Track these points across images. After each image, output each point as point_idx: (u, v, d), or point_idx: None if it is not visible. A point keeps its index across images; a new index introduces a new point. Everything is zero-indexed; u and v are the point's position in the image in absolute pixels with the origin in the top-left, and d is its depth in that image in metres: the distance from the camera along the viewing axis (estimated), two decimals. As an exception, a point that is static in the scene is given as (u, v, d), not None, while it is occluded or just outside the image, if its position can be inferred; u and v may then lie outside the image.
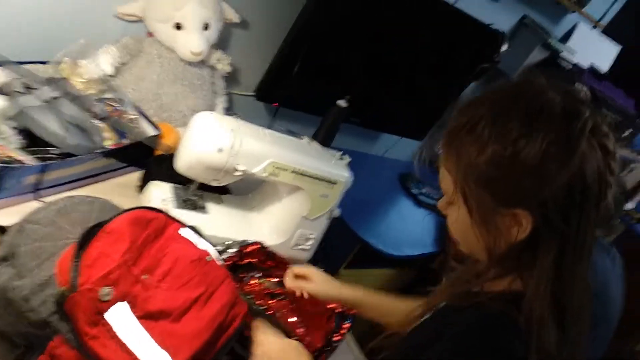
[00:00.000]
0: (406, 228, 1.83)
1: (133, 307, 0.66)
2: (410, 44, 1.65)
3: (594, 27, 2.30)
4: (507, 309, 0.64)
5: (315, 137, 1.18)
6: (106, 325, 0.64)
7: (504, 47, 1.83)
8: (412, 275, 2.14)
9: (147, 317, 0.67)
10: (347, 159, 1.19)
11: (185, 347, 0.68)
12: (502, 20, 1.96)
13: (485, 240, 0.67)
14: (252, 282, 1.02)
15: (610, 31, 2.35)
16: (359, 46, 1.54)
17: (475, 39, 1.78)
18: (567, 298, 0.65)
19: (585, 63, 2.18)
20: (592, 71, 2.19)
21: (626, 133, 2.17)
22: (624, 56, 2.31)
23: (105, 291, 0.64)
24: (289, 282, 1.00)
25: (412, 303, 0.92)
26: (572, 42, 2.20)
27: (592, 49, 2.27)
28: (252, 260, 1.04)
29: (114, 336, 0.64)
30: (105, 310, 0.64)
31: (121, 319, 0.65)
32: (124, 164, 1.15)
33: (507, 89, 0.68)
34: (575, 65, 2.13)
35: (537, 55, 2.16)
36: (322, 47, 1.45)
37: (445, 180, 0.70)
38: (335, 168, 1.15)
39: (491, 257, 0.68)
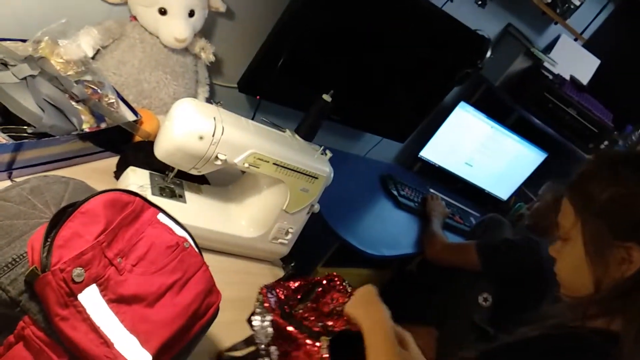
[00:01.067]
0: (385, 229, 1.83)
1: (105, 289, 0.64)
2: (396, 44, 1.65)
3: (576, 39, 2.35)
4: (600, 338, 0.72)
5: (297, 130, 1.17)
6: (78, 307, 0.61)
7: (489, 53, 1.85)
8: (388, 276, 2.14)
9: (119, 301, 0.65)
10: (329, 154, 1.18)
11: (158, 333, 0.66)
12: (487, 27, 1.98)
13: (595, 273, 0.75)
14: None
15: (591, 45, 2.40)
16: (345, 44, 1.54)
17: (460, 43, 1.80)
18: None
19: (566, 74, 2.22)
20: (573, 82, 2.23)
21: (603, 145, 2.21)
22: (603, 70, 2.36)
23: (78, 272, 0.62)
24: None
25: None
26: (555, 53, 2.24)
27: (573, 61, 2.31)
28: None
29: (85, 318, 0.61)
30: (78, 292, 0.62)
31: (93, 301, 0.63)
32: (101, 149, 1.12)
33: (633, 144, 0.80)
34: (556, 75, 2.17)
35: (520, 63, 2.19)
36: (308, 42, 1.45)
37: (567, 215, 0.80)
38: (317, 162, 1.14)
39: (598, 290, 0.75)
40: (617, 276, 0.73)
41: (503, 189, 2.54)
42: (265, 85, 1.46)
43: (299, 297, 0.98)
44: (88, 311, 0.61)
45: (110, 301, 0.64)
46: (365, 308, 0.89)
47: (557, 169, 2.34)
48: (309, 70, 1.52)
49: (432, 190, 2.26)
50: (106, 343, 0.61)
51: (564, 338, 0.74)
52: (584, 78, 2.31)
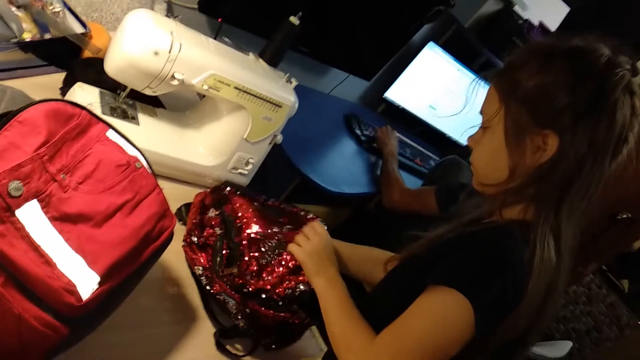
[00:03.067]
0: (346, 167, 1.82)
1: (47, 206, 0.59)
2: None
3: (548, -16, 2.32)
4: (518, 227, 0.74)
5: (262, 54, 1.10)
6: (16, 223, 0.56)
7: (462, -9, 1.79)
8: (347, 214, 2.15)
9: (63, 219, 0.60)
10: (295, 82, 1.12)
11: (105, 254, 0.62)
12: (461, -36, 1.91)
13: (512, 159, 0.76)
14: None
15: (561, -9, 2.38)
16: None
17: (434, -22, 1.73)
18: (565, 228, 0.73)
19: (535, 19, 2.20)
20: (541, 28, 2.22)
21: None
22: (572, 18, 2.35)
23: (15, 185, 0.56)
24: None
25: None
26: (526, -3, 2.21)
27: (544, 7, 2.29)
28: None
29: (24, 236, 0.56)
30: (15, 207, 0.56)
31: (33, 218, 0.57)
32: (45, 62, 1.03)
33: (564, 36, 0.77)
34: (525, 20, 2.15)
35: (491, 5, 2.15)
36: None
37: (491, 102, 0.79)
38: (282, 90, 1.09)
39: (512, 176, 0.76)
40: (531, 163, 0.75)
41: (464, 134, 2.55)
42: (228, 7, 1.37)
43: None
44: (27, 228, 0.56)
45: (53, 219, 0.59)
46: (318, 263, 0.90)
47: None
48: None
49: (389, 127, 2.22)
50: (48, 262, 0.57)
51: (488, 232, 0.77)
52: (553, 24, 2.30)
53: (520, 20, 2.12)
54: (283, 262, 0.92)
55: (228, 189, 1.03)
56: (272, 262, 0.91)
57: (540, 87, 0.73)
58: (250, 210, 0.99)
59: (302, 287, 0.90)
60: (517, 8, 2.13)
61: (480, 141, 0.82)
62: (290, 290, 0.89)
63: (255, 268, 0.90)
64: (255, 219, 0.97)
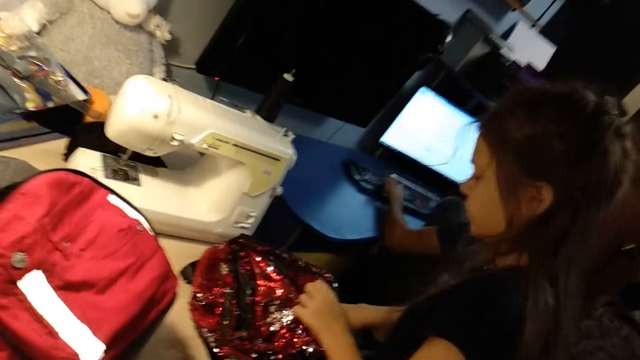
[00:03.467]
0: (347, 213, 1.82)
1: (51, 276, 0.59)
2: (357, 26, 1.63)
3: (533, 26, 2.39)
4: (511, 275, 0.74)
5: (258, 111, 1.13)
6: (19, 295, 0.57)
7: (449, 38, 1.85)
8: (350, 260, 2.14)
9: (67, 287, 0.60)
10: (292, 135, 1.15)
11: (110, 321, 0.62)
12: (447, 13, 1.98)
13: (507, 211, 0.75)
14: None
15: (546, 32, 2.45)
16: (305, 25, 1.50)
17: (421, 27, 1.79)
18: (562, 276, 0.73)
19: (523, 60, 2.26)
20: (529, 68, 2.27)
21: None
22: (558, 56, 2.42)
23: (18, 257, 0.57)
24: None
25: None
26: (512, 39, 2.27)
27: (530, 48, 2.35)
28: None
29: (27, 307, 0.57)
30: (18, 279, 0.57)
31: (37, 288, 0.58)
32: (48, 130, 1.05)
33: (548, 83, 0.78)
34: (513, 62, 2.20)
35: (478, 49, 2.21)
36: (268, 22, 1.41)
37: (481, 153, 0.79)
38: (279, 144, 1.11)
39: (509, 228, 0.76)
40: (527, 214, 0.75)
41: (461, 174, 2.57)
42: (225, 66, 1.41)
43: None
44: (29, 299, 0.57)
45: (56, 288, 0.60)
46: (325, 321, 0.91)
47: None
48: (270, 51, 1.48)
49: (392, 176, 2.26)
50: (51, 333, 0.57)
51: (480, 281, 0.77)
52: (540, 64, 2.36)
53: (508, 62, 2.17)
54: (292, 326, 0.92)
55: (243, 241, 1.03)
56: (283, 326, 0.92)
57: (530, 138, 0.73)
58: (268, 269, 1.00)
59: (310, 348, 0.90)
60: (504, 51, 2.19)
61: (473, 190, 0.83)
62: (298, 351, 0.89)
63: (265, 333, 0.90)
64: (273, 281, 0.99)
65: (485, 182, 0.79)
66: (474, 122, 0.85)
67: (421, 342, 0.74)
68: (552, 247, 0.73)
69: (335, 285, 1.11)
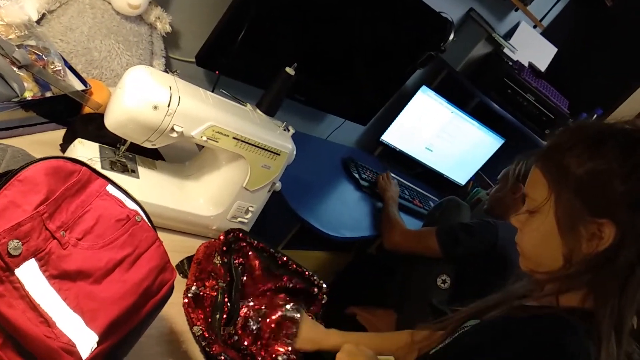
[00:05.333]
0: (346, 211, 1.82)
1: (47, 264, 0.59)
2: (359, 23, 1.62)
3: (535, 26, 2.38)
4: (579, 320, 0.71)
5: (259, 105, 1.12)
6: (15, 282, 0.56)
7: (452, 36, 1.84)
8: (348, 259, 2.13)
9: (62, 277, 0.60)
10: (292, 130, 1.14)
11: (105, 311, 0.61)
12: (450, 11, 1.97)
13: (566, 247, 0.73)
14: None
15: (549, 33, 2.44)
16: (308, 21, 1.50)
17: (424, 25, 1.78)
18: (627, 318, 0.71)
19: (525, 61, 2.25)
20: (531, 69, 2.27)
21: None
22: (560, 58, 2.41)
23: (14, 244, 0.56)
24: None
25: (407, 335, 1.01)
26: (514, 39, 2.27)
27: (532, 48, 2.35)
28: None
29: (23, 296, 0.56)
30: (14, 266, 0.56)
31: (32, 277, 0.57)
32: (46, 120, 1.04)
33: (606, 122, 0.76)
34: (515, 62, 2.20)
35: (481, 49, 2.21)
36: (270, 16, 1.40)
37: (538, 187, 0.77)
38: (279, 138, 1.10)
39: (567, 264, 0.74)
40: (587, 251, 0.72)
41: (461, 174, 2.57)
42: (225, 60, 1.40)
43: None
44: (26, 287, 0.56)
45: (51, 277, 0.59)
46: None
47: (513, 155, 2.39)
48: (271, 46, 1.47)
49: (389, 172, 2.24)
50: (47, 322, 0.56)
51: (540, 322, 0.73)
52: (542, 65, 2.35)
53: (510, 62, 2.17)
54: (268, 330, 0.92)
55: (240, 235, 1.03)
56: (261, 328, 0.92)
57: (592, 175, 0.71)
58: (258, 267, 1.00)
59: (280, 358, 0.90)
60: (506, 50, 2.18)
61: (527, 224, 0.80)
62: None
63: (253, 330, 0.90)
64: (261, 281, 0.99)
65: (543, 217, 0.76)
66: (531, 154, 0.83)
67: None
68: (618, 286, 0.71)
69: (325, 288, 1.10)
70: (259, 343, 0.93)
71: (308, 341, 0.99)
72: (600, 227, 0.71)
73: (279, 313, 0.97)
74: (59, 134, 1.06)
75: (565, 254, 0.73)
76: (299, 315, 0.99)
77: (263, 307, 0.97)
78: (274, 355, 0.92)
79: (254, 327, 0.94)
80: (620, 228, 0.70)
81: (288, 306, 1.00)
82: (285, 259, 1.06)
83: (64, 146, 1.03)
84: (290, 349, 0.94)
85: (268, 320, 0.96)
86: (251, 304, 0.98)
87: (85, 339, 0.58)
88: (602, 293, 0.72)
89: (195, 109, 0.95)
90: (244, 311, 0.96)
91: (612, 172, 0.70)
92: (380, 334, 1.08)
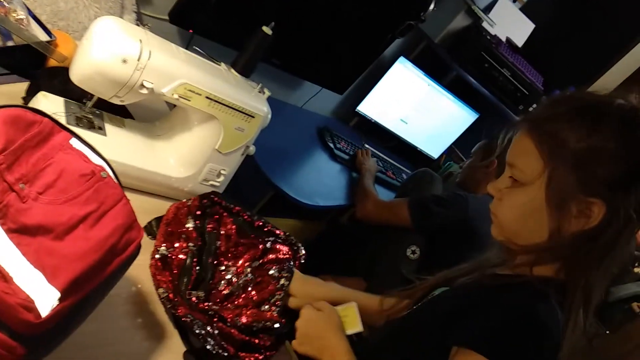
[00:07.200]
0: (320, 180, 1.81)
1: (4, 217, 0.56)
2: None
3: (515, 1, 2.37)
4: (553, 290, 0.71)
5: (234, 64, 1.09)
6: (-32, 236, 0.53)
7: (432, 6, 1.82)
8: (320, 228, 2.14)
9: (21, 231, 0.57)
10: (267, 92, 1.11)
11: (67, 268, 0.58)
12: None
13: (552, 221, 0.71)
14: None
15: (527, 9, 2.44)
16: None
17: (404, -6, 1.75)
18: (596, 292, 0.72)
19: (502, 35, 2.25)
20: (508, 44, 2.27)
21: (531, 108, 2.28)
22: (537, 35, 2.42)
23: (-32, 195, 0.53)
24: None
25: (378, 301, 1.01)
26: (493, 13, 2.26)
27: (510, 23, 2.34)
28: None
29: (-23, 250, 0.53)
30: (-32, 219, 0.53)
31: (-12, 230, 0.54)
32: (7, 71, 0.99)
33: (603, 94, 0.74)
34: (493, 36, 2.19)
35: (460, 21, 2.19)
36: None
37: (530, 158, 0.73)
38: (254, 100, 1.07)
39: (552, 239, 0.72)
40: (573, 229, 0.71)
41: (434, 148, 2.58)
42: (200, 18, 1.35)
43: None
44: (-18, 240, 0.53)
45: (10, 231, 0.56)
46: (314, 344, 0.89)
47: (486, 130, 2.40)
48: (249, 5, 1.42)
49: (366, 146, 2.24)
50: (4, 277, 0.53)
51: (521, 293, 0.73)
52: (519, 41, 2.36)
53: (489, 36, 2.16)
54: (250, 297, 0.91)
55: (215, 199, 1.00)
56: (240, 294, 0.91)
57: (590, 152, 0.69)
58: (235, 231, 0.98)
59: (276, 325, 0.89)
60: (485, 24, 2.17)
61: (510, 195, 0.77)
62: (259, 324, 0.88)
63: (223, 294, 0.89)
64: (236, 244, 0.97)
65: (532, 190, 0.73)
66: (519, 121, 0.78)
67: (446, 346, 0.71)
68: (594, 262, 0.71)
69: (303, 252, 1.09)
70: (228, 305, 0.92)
71: (303, 296, 0.98)
72: (589, 206, 0.70)
73: (269, 281, 0.97)
74: (22, 86, 1.01)
75: (552, 230, 0.72)
76: (287, 283, 0.99)
77: (248, 276, 0.96)
78: (246, 315, 0.91)
79: (229, 292, 0.93)
80: (610, 209, 0.69)
81: (272, 271, 0.99)
82: (261, 222, 1.05)
83: (27, 99, 0.98)
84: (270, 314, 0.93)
85: (253, 290, 0.95)
86: (231, 269, 0.96)
87: (45, 296, 0.56)
88: (578, 267, 0.72)
89: (167, 65, 0.91)
90: (222, 275, 0.94)
91: (609, 151, 0.68)
92: (362, 293, 1.09)
